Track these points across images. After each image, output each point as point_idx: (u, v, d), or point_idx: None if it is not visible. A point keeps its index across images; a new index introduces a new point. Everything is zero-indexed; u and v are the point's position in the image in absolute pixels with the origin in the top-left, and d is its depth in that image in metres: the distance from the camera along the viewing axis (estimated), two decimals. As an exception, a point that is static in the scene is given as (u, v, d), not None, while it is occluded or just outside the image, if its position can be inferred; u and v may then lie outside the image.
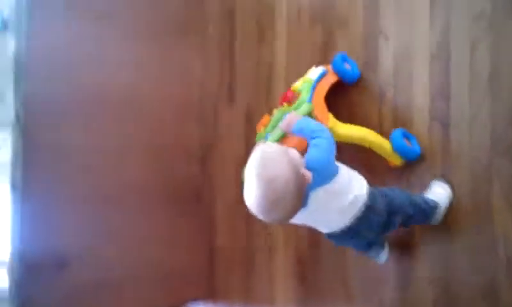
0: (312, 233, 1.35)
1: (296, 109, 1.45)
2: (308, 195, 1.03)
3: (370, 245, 1.46)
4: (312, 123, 1.19)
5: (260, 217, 0.97)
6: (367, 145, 1.49)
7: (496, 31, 1.31)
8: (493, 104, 1.32)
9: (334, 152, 1.11)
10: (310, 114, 1.40)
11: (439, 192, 1.39)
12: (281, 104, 1.54)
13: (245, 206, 0.98)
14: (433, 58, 1.46)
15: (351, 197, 1.13)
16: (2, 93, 1.73)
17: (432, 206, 1.35)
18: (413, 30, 1.52)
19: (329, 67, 1.62)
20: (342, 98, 1.67)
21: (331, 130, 1.35)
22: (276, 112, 1.56)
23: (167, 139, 2.19)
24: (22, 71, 1.72)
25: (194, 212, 2.25)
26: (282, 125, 1.25)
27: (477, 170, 1.35)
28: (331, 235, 1.23)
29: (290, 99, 1.51)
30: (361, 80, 1.66)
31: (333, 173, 1.09)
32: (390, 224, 1.23)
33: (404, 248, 1.52)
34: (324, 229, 1.23)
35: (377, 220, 1.19)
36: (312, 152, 1.08)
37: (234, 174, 2.13)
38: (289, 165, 0.94)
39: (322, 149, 1.08)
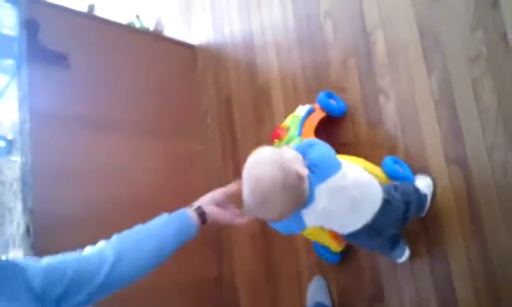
0: None
1: (286, 143, 1.52)
2: (313, 191, 1.04)
3: (393, 244, 1.44)
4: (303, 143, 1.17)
5: (260, 214, 1.02)
6: None
7: (496, 67, 1.35)
8: (508, 130, 1.32)
9: (331, 149, 1.11)
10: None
11: (423, 185, 1.44)
12: (272, 142, 1.59)
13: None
14: (437, 104, 1.48)
15: (359, 191, 1.12)
16: (10, 208, 1.72)
17: (424, 200, 1.42)
18: (412, 82, 1.55)
19: (316, 105, 1.69)
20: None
21: None
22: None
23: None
24: (28, 188, 1.71)
25: None
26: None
27: (508, 198, 1.31)
28: (351, 234, 1.20)
29: (280, 136, 1.57)
30: (371, 136, 1.66)
31: (336, 167, 1.07)
32: (408, 213, 1.26)
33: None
34: (343, 229, 1.21)
35: (397, 212, 1.21)
36: (313, 149, 1.08)
37: (251, 255, 2.05)
38: (275, 165, 0.97)
39: (321, 146, 1.10)
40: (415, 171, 1.51)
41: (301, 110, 1.65)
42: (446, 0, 1.46)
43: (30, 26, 1.87)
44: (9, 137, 1.75)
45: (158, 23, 2.87)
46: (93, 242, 1.83)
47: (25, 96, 1.72)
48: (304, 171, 1.00)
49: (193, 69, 2.60)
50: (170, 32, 2.78)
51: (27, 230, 1.63)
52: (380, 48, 1.64)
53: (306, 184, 1.03)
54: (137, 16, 2.91)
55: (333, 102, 1.69)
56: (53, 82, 1.95)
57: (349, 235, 1.21)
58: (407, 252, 1.48)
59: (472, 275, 1.38)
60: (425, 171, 1.49)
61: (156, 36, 2.77)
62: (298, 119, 1.58)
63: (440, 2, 1.47)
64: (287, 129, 1.56)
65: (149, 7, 2.95)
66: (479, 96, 1.37)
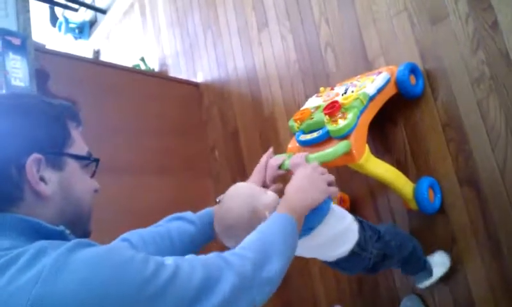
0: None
1: (335, 133, 1.31)
2: None
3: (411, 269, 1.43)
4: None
5: (222, 239, 1.03)
6: (390, 186, 1.45)
7: (500, 86, 1.36)
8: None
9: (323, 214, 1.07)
10: (346, 153, 1.28)
11: (439, 262, 1.43)
12: (325, 113, 1.36)
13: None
14: (445, 127, 1.49)
15: (332, 248, 1.15)
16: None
17: (428, 268, 1.41)
18: (418, 106, 1.56)
19: (393, 71, 1.48)
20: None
21: (361, 165, 1.32)
22: (316, 114, 1.43)
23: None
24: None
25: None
26: (291, 162, 1.20)
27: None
28: (330, 264, 1.23)
29: (333, 114, 1.33)
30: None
31: (311, 227, 1.06)
32: (379, 268, 1.25)
33: None
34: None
35: (363, 264, 1.21)
36: None
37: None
38: (247, 205, 1.00)
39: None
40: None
41: (374, 84, 1.41)
42: (445, 23, 1.48)
43: (40, 76, 1.92)
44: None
45: (163, 64, 2.93)
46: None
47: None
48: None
49: (199, 106, 2.64)
50: (175, 72, 2.83)
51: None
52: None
53: None
54: (142, 59, 2.98)
55: (412, 79, 1.49)
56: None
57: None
58: (429, 280, 1.44)
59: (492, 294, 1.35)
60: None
61: (161, 77, 2.83)
62: (362, 103, 1.35)
63: (439, 26, 1.50)
64: (345, 111, 1.33)
65: (153, 49, 3.02)
66: (486, 116, 1.38)
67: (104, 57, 3.50)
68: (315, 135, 1.38)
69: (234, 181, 2.25)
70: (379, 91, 1.40)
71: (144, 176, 2.22)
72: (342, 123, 1.30)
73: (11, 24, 1.84)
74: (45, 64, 2.00)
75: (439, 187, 1.48)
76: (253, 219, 0.99)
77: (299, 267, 1.93)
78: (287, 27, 2.07)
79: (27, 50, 1.79)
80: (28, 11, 1.90)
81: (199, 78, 2.66)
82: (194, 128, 2.58)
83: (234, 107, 2.41)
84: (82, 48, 3.69)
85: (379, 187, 1.65)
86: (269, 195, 1.05)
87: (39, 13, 3.92)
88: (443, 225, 1.48)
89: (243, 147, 2.31)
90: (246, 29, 2.32)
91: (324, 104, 1.42)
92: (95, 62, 2.79)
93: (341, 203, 1.71)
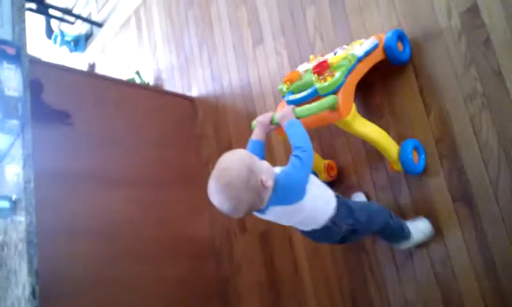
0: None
1: (323, 90, 1.37)
2: (268, 207, 1.15)
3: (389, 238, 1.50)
4: (299, 132, 1.25)
5: (216, 202, 1.10)
6: (375, 146, 1.48)
7: (493, 103, 1.38)
8: (511, 163, 1.33)
9: (308, 175, 1.19)
10: (332, 106, 1.34)
11: (419, 229, 1.46)
12: (314, 72, 1.42)
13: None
14: (438, 142, 1.50)
15: (311, 219, 1.25)
16: (15, 270, 1.68)
17: (405, 234, 1.44)
18: (411, 122, 1.57)
19: (381, 38, 1.52)
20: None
21: (347, 122, 1.37)
22: (305, 76, 1.50)
23: (184, 278, 2.16)
24: (34, 249, 1.69)
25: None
26: (278, 115, 1.34)
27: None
28: (303, 233, 1.35)
29: (322, 72, 1.39)
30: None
31: (297, 197, 1.16)
32: (347, 239, 1.35)
33: None
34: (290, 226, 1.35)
35: (335, 237, 1.32)
36: (287, 169, 1.17)
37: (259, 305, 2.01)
38: (244, 165, 1.09)
39: (297, 170, 1.16)
40: (419, 212, 1.50)
41: (362, 47, 1.46)
42: (438, 39, 1.50)
43: (34, 86, 1.91)
44: (14, 197, 1.74)
45: (158, 78, 2.94)
46: (100, 300, 1.81)
47: (29, 155, 1.73)
48: (269, 183, 1.11)
49: (193, 120, 2.63)
50: (170, 86, 2.83)
51: (33, 292, 1.59)
52: (376, 91, 1.67)
53: (267, 195, 1.12)
54: (137, 72, 2.98)
55: (399, 46, 1.53)
56: (57, 140, 1.97)
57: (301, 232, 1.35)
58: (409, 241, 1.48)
59: None
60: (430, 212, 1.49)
61: (156, 91, 2.82)
62: (351, 63, 1.40)
63: (432, 42, 1.52)
64: (334, 70, 1.39)
65: (148, 63, 3.02)
66: (479, 132, 1.39)
67: (99, 71, 3.50)
68: (304, 94, 1.44)
69: None
70: (367, 53, 1.46)
71: (138, 188, 2.20)
72: (329, 80, 1.36)
73: (6, 34, 1.84)
74: (39, 75, 1.99)
75: (423, 149, 1.50)
76: (251, 177, 1.08)
77: (293, 288, 1.91)
78: (282, 43, 2.08)
79: (22, 60, 1.78)
80: (24, 21, 1.90)
81: (194, 93, 2.66)
82: (188, 142, 2.57)
83: (228, 122, 2.41)
84: (78, 61, 3.69)
85: (365, 157, 1.70)
86: (263, 162, 1.16)
87: (35, 24, 3.93)
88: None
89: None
90: (241, 45, 2.34)
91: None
92: (90, 74, 2.79)
93: (329, 170, 1.75)
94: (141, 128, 2.34)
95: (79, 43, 3.61)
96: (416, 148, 1.48)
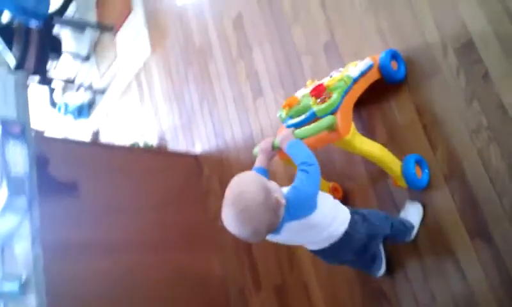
0: None
1: (321, 112, 1.40)
2: (282, 225, 1.13)
3: (372, 261, 1.52)
4: (302, 149, 1.26)
5: (234, 229, 1.08)
6: (377, 163, 1.49)
7: (499, 134, 1.36)
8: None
9: (317, 188, 1.18)
10: (331, 126, 1.35)
11: (414, 213, 1.49)
12: (311, 95, 1.47)
13: None
14: (448, 180, 1.47)
15: (325, 234, 1.23)
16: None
17: (409, 228, 1.47)
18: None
19: (376, 59, 1.54)
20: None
21: (347, 141, 1.38)
22: (303, 100, 1.52)
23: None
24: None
25: None
26: (278, 139, 1.35)
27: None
28: (315, 252, 1.33)
29: (319, 95, 1.43)
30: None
31: (310, 210, 1.16)
32: (369, 247, 1.35)
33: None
34: (304, 245, 1.35)
35: (356, 245, 1.30)
36: (295, 184, 1.17)
37: None
38: (258, 186, 1.08)
39: (304, 184, 1.16)
40: (438, 252, 1.45)
41: (357, 68, 1.49)
42: (438, 77, 1.51)
43: (40, 161, 1.93)
44: (23, 276, 1.72)
45: (161, 138, 2.96)
46: None
47: (37, 232, 1.73)
48: (283, 200, 1.11)
49: (199, 176, 2.63)
50: (173, 145, 2.85)
51: None
52: (380, 131, 1.66)
53: (282, 212, 1.12)
54: (141, 135, 3.01)
55: (394, 65, 1.55)
56: (64, 212, 1.97)
57: (312, 251, 1.33)
58: (382, 270, 1.55)
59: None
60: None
61: (160, 152, 2.85)
62: (346, 84, 1.43)
63: (432, 80, 1.52)
64: (330, 92, 1.42)
65: (152, 125, 3.06)
66: (488, 165, 1.37)
67: (103, 136, 3.55)
68: (302, 117, 1.47)
69: (239, 251, 2.27)
70: (362, 74, 1.49)
71: (146, 252, 2.17)
72: (327, 102, 1.39)
73: (10, 112, 1.87)
74: (44, 149, 2.01)
75: (425, 163, 1.50)
76: (267, 197, 1.07)
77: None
78: (282, 94, 2.10)
79: (27, 138, 1.81)
80: (27, 99, 1.95)
81: (197, 149, 2.67)
82: (195, 199, 2.56)
83: (234, 175, 2.38)
84: (82, 128, 3.75)
85: (371, 178, 1.69)
86: (271, 181, 1.16)
87: (39, 95, 4.03)
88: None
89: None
90: (241, 98, 2.37)
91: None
92: (94, 144, 2.83)
93: (334, 192, 1.75)
94: (146, 191, 2.33)
95: (83, 110, 3.68)
96: (418, 163, 1.48)
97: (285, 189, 1.19)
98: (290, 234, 1.18)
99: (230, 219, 1.08)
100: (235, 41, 2.44)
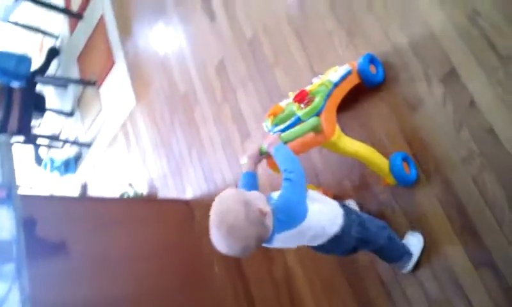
0: None
1: (305, 115, 1.44)
2: (273, 235, 1.13)
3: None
4: (287, 155, 1.26)
5: (224, 249, 1.10)
6: (364, 163, 1.52)
7: (492, 160, 1.35)
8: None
9: (304, 193, 1.18)
10: (316, 127, 1.38)
11: (413, 242, 1.48)
12: (294, 101, 1.51)
13: None
14: (444, 206, 1.45)
15: (321, 233, 1.24)
16: None
17: (408, 252, 1.45)
18: (412, 191, 1.53)
19: (354, 64, 1.60)
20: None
21: (333, 143, 1.41)
22: (287, 107, 1.56)
23: None
24: None
25: None
26: (265, 143, 1.35)
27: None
28: (314, 248, 1.33)
29: (302, 100, 1.48)
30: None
31: (301, 218, 1.16)
32: (357, 250, 1.37)
33: None
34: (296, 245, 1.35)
35: (345, 246, 1.32)
36: (281, 194, 1.17)
37: None
38: (238, 202, 1.08)
39: (290, 193, 1.17)
40: (443, 285, 1.43)
41: (337, 73, 1.55)
42: (425, 107, 1.51)
43: (27, 224, 1.87)
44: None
45: (151, 186, 2.92)
46: None
47: (27, 299, 1.66)
48: (267, 208, 1.11)
49: (191, 222, 2.58)
50: (164, 192, 2.81)
51: None
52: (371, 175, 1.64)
53: (270, 222, 1.11)
54: (130, 185, 2.97)
55: (372, 69, 1.60)
56: (54, 273, 1.91)
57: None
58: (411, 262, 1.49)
59: None
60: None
61: (150, 200, 2.81)
62: (327, 87, 1.48)
63: (420, 111, 1.53)
64: (313, 96, 1.46)
65: (140, 174, 3.02)
66: (484, 192, 1.35)
67: (91, 189, 3.49)
68: (288, 123, 1.51)
69: (236, 292, 2.20)
70: (342, 78, 1.54)
71: (144, 304, 2.10)
72: (310, 105, 1.44)
73: (-6, 176, 1.83)
74: (31, 210, 1.96)
75: (412, 160, 1.51)
76: (249, 211, 1.07)
77: None
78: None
79: (13, 201, 1.76)
80: (12, 160, 1.91)
81: (188, 195, 2.64)
82: (189, 245, 2.50)
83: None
84: (70, 183, 3.69)
85: (360, 183, 1.69)
86: (252, 191, 1.17)
87: (23, 154, 3.98)
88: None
89: (243, 258, 2.22)
90: (229, 141, 2.36)
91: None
92: (82, 198, 2.78)
93: None
94: (139, 242, 2.29)
95: (69, 165, 3.63)
96: (405, 159, 1.50)
97: (275, 195, 1.20)
98: (284, 242, 1.19)
99: (218, 240, 1.10)
100: (219, 86, 2.46)
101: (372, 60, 1.61)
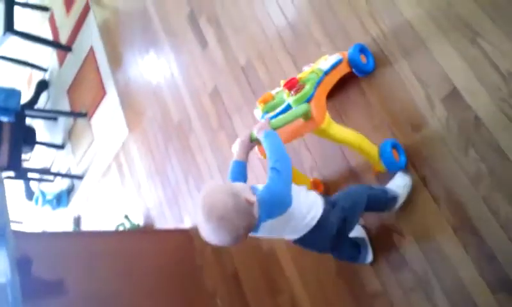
0: None
1: (295, 102, 1.45)
2: (259, 224, 1.15)
3: (353, 247, 1.56)
4: (275, 144, 1.26)
5: (215, 241, 1.10)
6: (355, 149, 1.53)
7: (501, 178, 1.33)
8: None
9: (289, 183, 1.19)
10: (306, 114, 1.39)
11: (400, 184, 1.49)
12: (285, 87, 1.51)
13: None
14: (457, 231, 1.42)
15: (303, 224, 1.27)
16: None
17: (391, 198, 1.47)
18: (424, 215, 1.50)
19: (345, 54, 1.63)
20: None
21: (323, 129, 1.43)
22: (277, 95, 1.57)
23: None
24: None
25: None
26: (255, 129, 1.34)
27: None
28: (295, 242, 1.35)
29: (292, 87, 1.48)
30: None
31: (285, 207, 1.18)
32: (342, 233, 1.38)
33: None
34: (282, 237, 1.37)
35: (329, 232, 1.33)
36: (268, 184, 1.18)
37: None
38: (225, 193, 1.09)
39: (276, 183, 1.17)
40: None
41: (327, 61, 1.58)
42: (427, 130, 1.50)
43: (22, 263, 1.80)
44: None
45: (147, 216, 2.86)
46: None
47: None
48: (253, 198, 1.11)
49: (191, 252, 2.51)
50: (161, 222, 2.75)
51: None
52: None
53: (256, 211, 1.12)
54: (126, 216, 2.91)
55: (363, 58, 1.63)
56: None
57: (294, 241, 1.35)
58: (370, 257, 1.57)
59: None
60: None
61: (147, 231, 2.75)
62: (318, 75, 1.51)
63: (422, 134, 1.51)
64: (303, 84, 1.48)
65: (136, 204, 2.96)
66: (496, 211, 1.33)
67: (85, 222, 3.41)
68: (278, 110, 1.52)
69: None
70: (333, 67, 1.57)
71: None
72: (300, 92, 1.45)
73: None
74: (26, 248, 1.90)
75: (401, 148, 1.53)
76: (237, 201, 1.08)
77: None
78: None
79: (7, 241, 1.70)
80: (5, 197, 1.85)
81: (187, 224, 2.58)
82: (189, 277, 2.44)
83: (229, 247, 2.30)
84: (62, 217, 3.60)
85: (351, 171, 1.70)
86: (237, 183, 1.19)
87: (13, 189, 3.89)
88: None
89: (246, 290, 2.16)
90: (227, 167, 2.28)
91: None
92: (77, 234, 2.71)
93: (316, 187, 1.77)
94: (138, 276, 2.22)
95: (61, 199, 3.55)
96: (394, 146, 1.52)
97: (260, 186, 1.20)
98: (269, 230, 1.22)
99: (208, 233, 1.10)
100: (214, 113, 2.44)
101: (362, 50, 1.65)
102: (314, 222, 1.28)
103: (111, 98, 3.24)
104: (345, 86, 1.72)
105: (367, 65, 1.65)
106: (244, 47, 2.28)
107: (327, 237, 1.34)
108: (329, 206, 1.33)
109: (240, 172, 1.32)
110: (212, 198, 1.09)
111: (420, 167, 1.51)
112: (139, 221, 2.89)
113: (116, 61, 3.30)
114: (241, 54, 2.29)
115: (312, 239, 1.32)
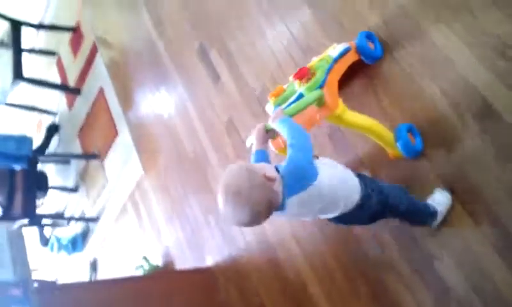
0: None
1: (308, 90, 1.44)
2: (285, 201, 1.11)
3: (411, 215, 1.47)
4: (291, 124, 1.24)
5: (234, 220, 1.08)
6: (370, 135, 1.53)
7: None
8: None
9: (310, 154, 1.16)
10: (319, 100, 1.39)
11: (440, 200, 1.46)
12: (295, 79, 1.50)
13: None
14: (502, 250, 1.36)
15: (334, 209, 1.23)
16: None
17: (431, 212, 1.44)
18: (465, 238, 1.45)
19: (353, 43, 1.64)
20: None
21: (338, 115, 1.43)
22: (288, 86, 1.56)
23: None
24: None
25: None
26: (270, 120, 1.32)
27: None
28: (334, 220, 1.32)
29: (303, 76, 1.48)
30: None
31: (311, 178, 1.13)
32: (377, 218, 1.35)
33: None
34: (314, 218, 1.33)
35: (365, 215, 1.30)
36: (287, 160, 1.16)
37: None
38: (239, 171, 1.08)
39: (294, 156, 1.15)
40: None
41: (336, 49, 1.59)
42: (460, 145, 1.47)
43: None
44: None
45: (166, 255, 2.79)
46: None
47: None
48: (273, 174, 1.09)
49: (215, 290, 2.44)
50: (181, 262, 2.67)
51: None
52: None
53: (278, 187, 1.09)
54: (145, 258, 2.83)
55: (370, 45, 1.65)
56: None
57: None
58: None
59: None
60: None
61: (168, 272, 2.67)
62: (328, 62, 1.52)
63: (457, 151, 1.47)
64: (314, 72, 1.48)
65: (154, 244, 2.89)
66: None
67: (101, 265, 3.34)
68: (290, 101, 1.51)
69: None
70: (341, 55, 1.59)
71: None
72: (312, 80, 1.45)
73: (7, 273, 1.71)
74: (47, 301, 1.83)
75: (416, 130, 1.52)
76: (252, 176, 1.07)
77: None
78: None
79: (29, 298, 1.63)
80: (25, 252, 1.80)
81: (208, 262, 2.50)
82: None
83: (254, 281, 2.23)
84: (78, 261, 3.53)
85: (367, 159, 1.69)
86: (260, 163, 1.17)
87: (28, 236, 3.83)
88: None
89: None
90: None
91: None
92: (95, 283, 2.64)
93: None
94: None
95: (77, 243, 3.49)
96: (410, 130, 1.51)
97: (283, 164, 1.18)
98: (296, 212, 1.18)
99: (228, 213, 1.08)
100: (230, 144, 2.39)
101: (369, 36, 1.66)
102: (354, 202, 1.25)
103: (123, 137, 3.21)
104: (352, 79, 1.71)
105: (375, 51, 1.66)
106: (256, 74, 2.26)
107: (364, 217, 1.33)
108: (372, 184, 1.31)
109: (262, 158, 1.29)
110: (227, 180, 1.09)
111: (457, 187, 1.46)
112: (158, 262, 2.81)
113: (126, 100, 3.29)
114: (255, 82, 2.27)
115: (351, 217, 1.29)
